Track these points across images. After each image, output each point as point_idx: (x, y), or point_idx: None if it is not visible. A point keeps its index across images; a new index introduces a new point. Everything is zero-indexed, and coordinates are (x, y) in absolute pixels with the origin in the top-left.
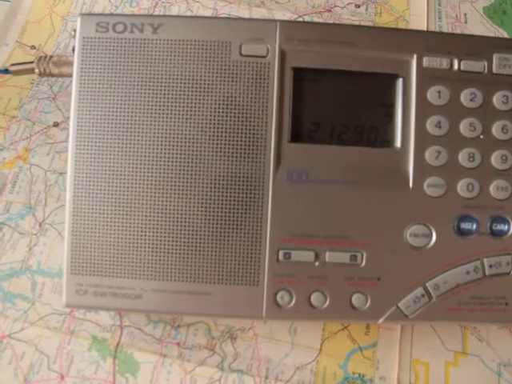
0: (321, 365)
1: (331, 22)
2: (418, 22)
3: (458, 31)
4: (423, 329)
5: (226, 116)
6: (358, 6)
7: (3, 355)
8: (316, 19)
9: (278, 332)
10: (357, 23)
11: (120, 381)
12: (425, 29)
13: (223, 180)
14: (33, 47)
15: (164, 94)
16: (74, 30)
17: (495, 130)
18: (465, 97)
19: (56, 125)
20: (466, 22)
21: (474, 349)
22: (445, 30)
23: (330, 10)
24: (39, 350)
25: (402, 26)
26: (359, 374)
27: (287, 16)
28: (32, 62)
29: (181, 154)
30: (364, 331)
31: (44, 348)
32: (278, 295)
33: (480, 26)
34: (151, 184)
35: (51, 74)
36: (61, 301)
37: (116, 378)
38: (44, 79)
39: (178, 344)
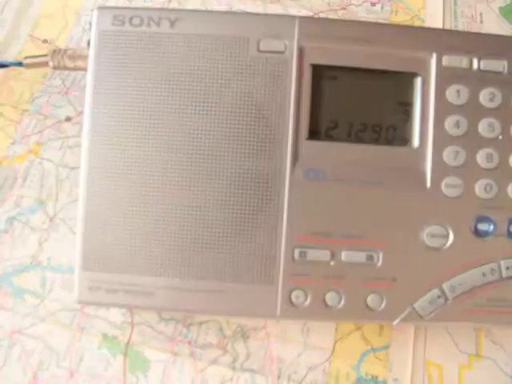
0: (333, 365)
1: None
2: (434, 21)
3: (474, 31)
4: (437, 331)
5: (243, 112)
6: (373, 5)
7: (12, 351)
8: (331, 17)
9: (291, 332)
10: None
11: (130, 379)
12: (441, 28)
13: (240, 177)
14: (45, 41)
15: (180, 89)
16: (90, 23)
17: None
18: (484, 96)
19: (68, 119)
20: (481, 22)
21: (489, 352)
22: (461, 29)
23: (345, 8)
24: (49, 347)
25: (417, 25)
26: (372, 376)
27: (302, 13)
28: (46, 55)
29: (197, 149)
30: (377, 332)
31: (54, 344)
32: (293, 294)
33: (496, 26)
34: (166, 180)
35: (65, 68)
36: (71, 297)
37: (126, 376)
38: (56, 73)
39: (190, 342)
